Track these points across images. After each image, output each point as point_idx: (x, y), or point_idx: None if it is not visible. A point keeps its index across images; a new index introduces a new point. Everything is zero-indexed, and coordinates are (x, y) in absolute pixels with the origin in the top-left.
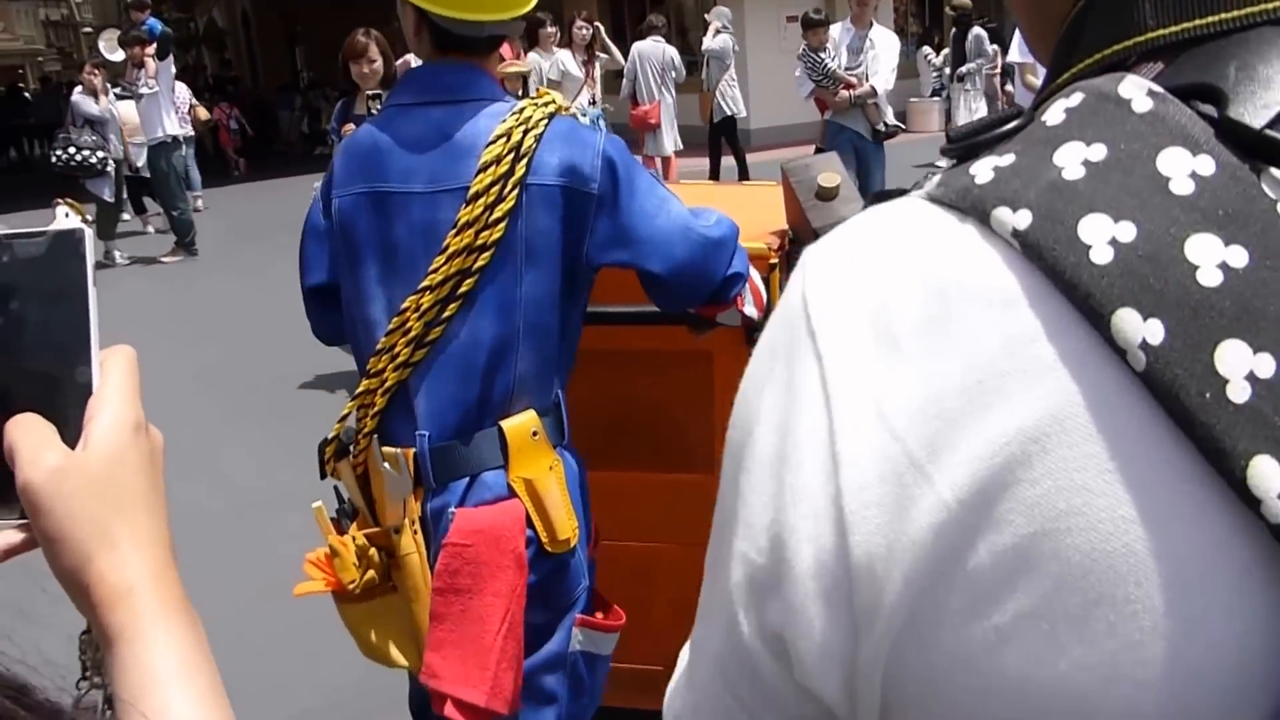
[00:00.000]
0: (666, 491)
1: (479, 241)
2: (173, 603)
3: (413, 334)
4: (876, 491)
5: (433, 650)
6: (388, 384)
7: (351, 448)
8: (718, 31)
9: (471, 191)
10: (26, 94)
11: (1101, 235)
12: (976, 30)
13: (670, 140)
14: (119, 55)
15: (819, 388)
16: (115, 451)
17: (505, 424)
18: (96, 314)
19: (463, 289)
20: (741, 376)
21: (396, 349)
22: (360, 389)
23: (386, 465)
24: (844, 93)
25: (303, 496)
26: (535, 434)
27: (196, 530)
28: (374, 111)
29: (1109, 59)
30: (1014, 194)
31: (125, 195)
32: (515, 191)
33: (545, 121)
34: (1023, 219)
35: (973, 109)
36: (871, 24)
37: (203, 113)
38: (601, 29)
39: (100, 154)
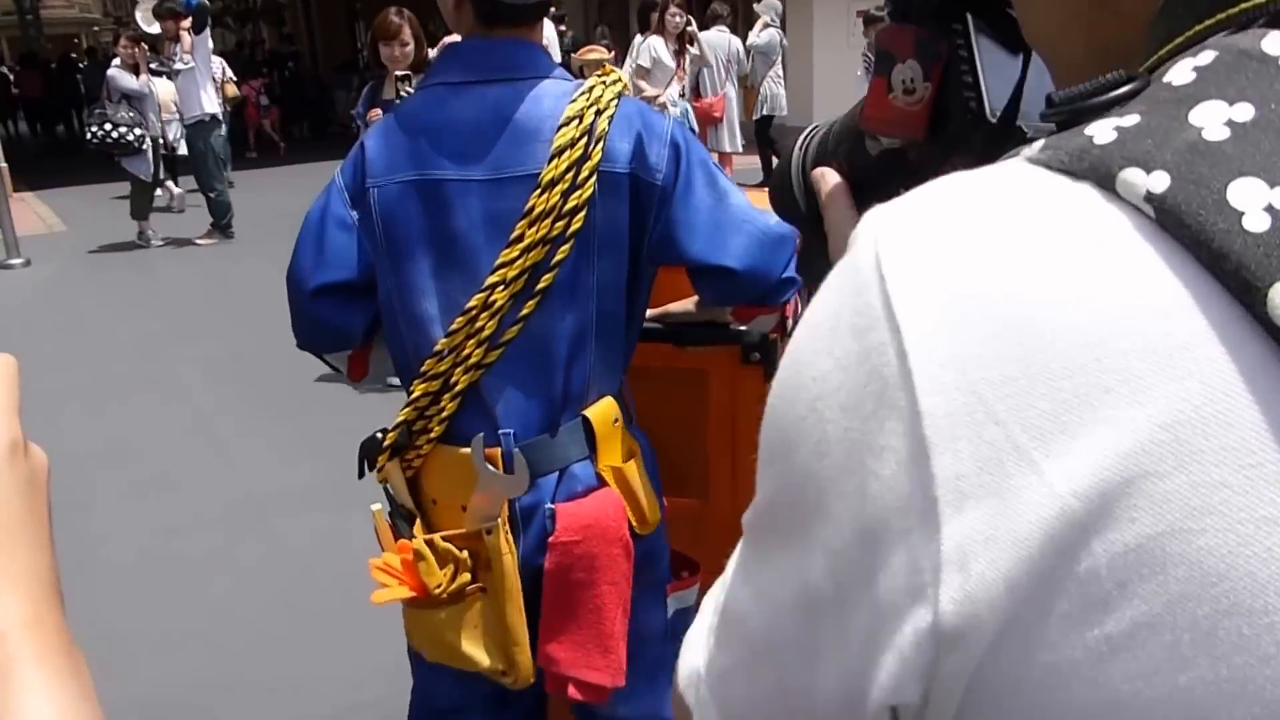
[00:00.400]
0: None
1: (555, 232)
2: (51, 647)
3: (485, 334)
4: (974, 481)
5: (549, 638)
6: (457, 388)
7: (405, 450)
8: (765, 25)
9: (546, 178)
10: (81, 66)
11: (1256, 201)
12: None
13: (729, 136)
14: (156, 28)
15: (897, 363)
16: None
17: (589, 413)
18: None
19: (541, 284)
20: (735, 397)
21: (466, 350)
22: (417, 392)
23: (489, 465)
24: None
25: (321, 494)
26: (616, 420)
27: (211, 526)
28: (404, 95)
29: (1235, 19)
30: (1145, 154)
31: (162, 174)
32: (592, 178)
33: (615, 102)
34: (1159, 181)
35: None
36: None
37: (231, 89)
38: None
39: (137, 131)
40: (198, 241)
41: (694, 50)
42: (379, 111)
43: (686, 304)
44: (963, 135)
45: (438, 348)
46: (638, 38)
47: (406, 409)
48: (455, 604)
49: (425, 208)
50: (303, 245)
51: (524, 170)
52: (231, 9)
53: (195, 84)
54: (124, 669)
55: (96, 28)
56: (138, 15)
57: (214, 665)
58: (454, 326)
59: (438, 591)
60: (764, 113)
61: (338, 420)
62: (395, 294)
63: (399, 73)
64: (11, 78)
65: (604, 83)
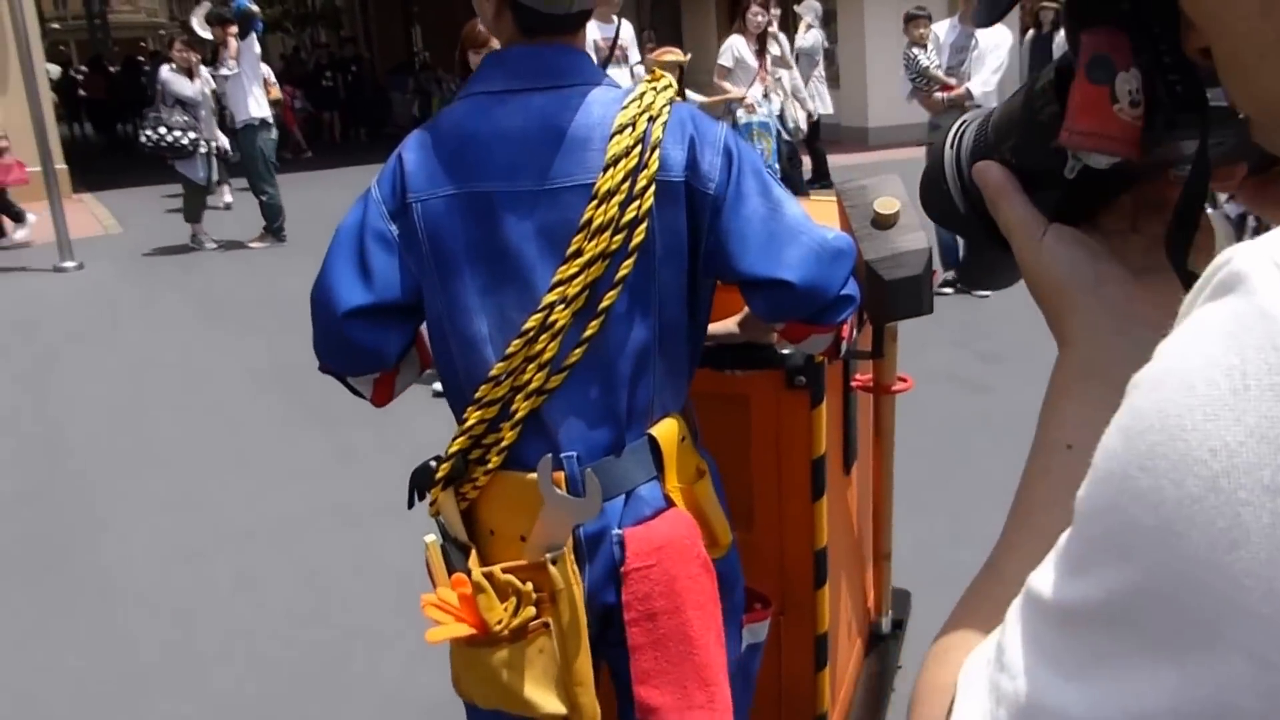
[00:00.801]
0: None
1: (615, 246)
2: None
3: (546, 356)
4: None
5: (641, 684)
6: (517, 415)
7: (461, 481)
8: (809, 27)
9: (603, 188)
10: (145, 69)
11: None
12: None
13: None
14: (209, 33)
15: None
16: None
17: (655, 432)
18: None
19: (605, 302)
20: (779, 424)
21: (526, 375)
22: (472, 420)
23: (556, 489)
24: (938, 94)
25: (355, 512)
26: (684, 438)
27: (239, 544)
28: None
29: None
30: None
31: (216, 177)
32: (650, 188)
33: (668, 108)
34: None
35: None
36: None
37: (274, 91)
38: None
39: (191, 135)
40: (249, 244)
41: (775, 50)
42: None
43: (728, 324)
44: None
45: (494, 372)
46: (734, 37)
47: (461, 438)
48: (516, 642)
49: (474, 222)
50: (336, 261)
51: (576, 180)
52: (290, 13)
53: (243, 89)
54: (142, 694)
55: (162, 31)
56: (193, 21)
57: (234, 694)
58: (510, 349)
59: (499, 628)
60: (815, 117)
61: (375, 434)
62: (445, 314)
63: None
64: (79, 80)
65: (654, 88)
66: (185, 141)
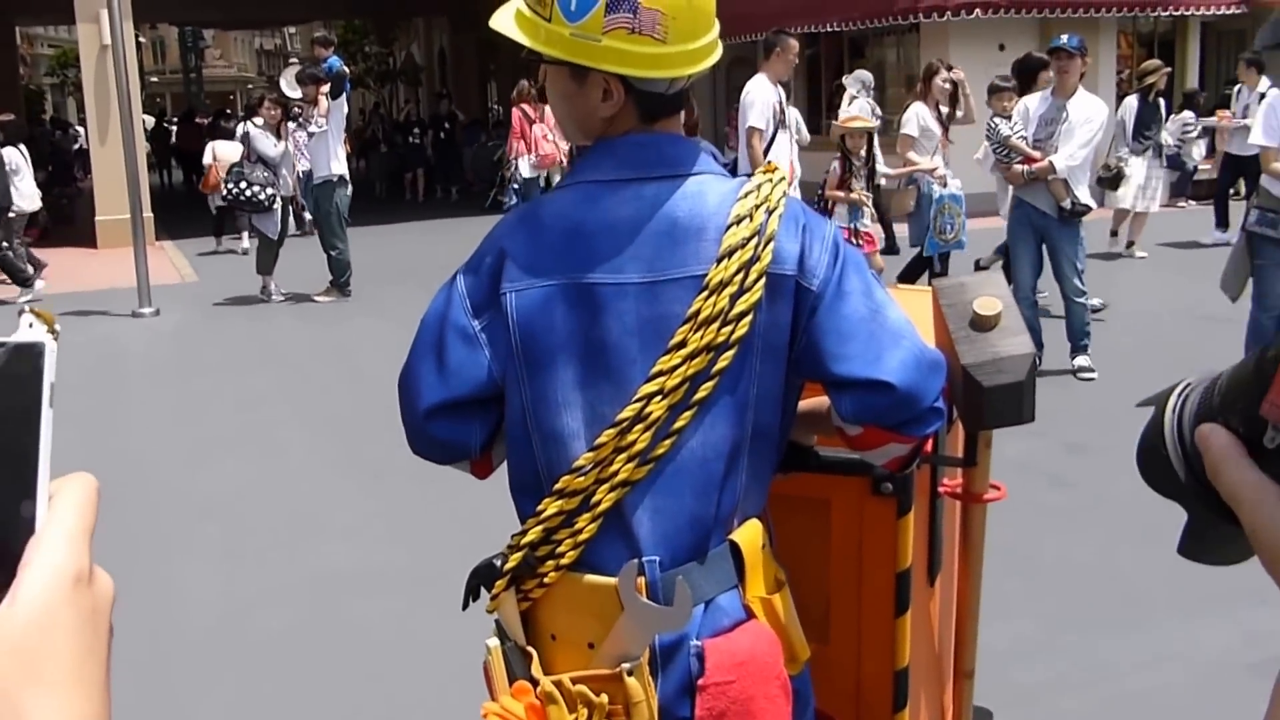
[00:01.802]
0: None
1: (720, 339)
2: None
3: (638, 448)
4: None
5: None
6: (599, 508)
7: (526, 578)
8: (853, 99)
9: (714, 280)
10: (228, 123)
11: None
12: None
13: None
14: (298, 93)
15: None
16: (44, 611)
17: (737, 538)
18: (49, 440)
19: (700, 394)
20: (862, 532)
21: (614, 466)
22: (549, 510)
23: (642, 597)
24: (1018, 167)
25: (398, 577)
26: (764, 545)
27: (286, 600)
28: None
29: None
30: None
31: (287, 231)
32: (760, 281)
33: (783, 201)
34: None
35: (1152, 183)
36: (1075, 92)
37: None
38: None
39: (269, 191)
40: (316, 298)
41: (960, 114)
42: None
43: None
44: None
45: (579, 463)
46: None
47: (534, 529)
48: None
49: (573, 314)
50: (419, 354)
51: (687, 272)
52: (373, 70)
53: (327, 146)
54: None
55: (251, 86)
56: (282, 82)
57: None
58: (601, 440)
59: None
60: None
61: (426, 491)
62: (530, 409)
63: None
64: (171, 130)
65: (770, 180)
66: (263, 197)
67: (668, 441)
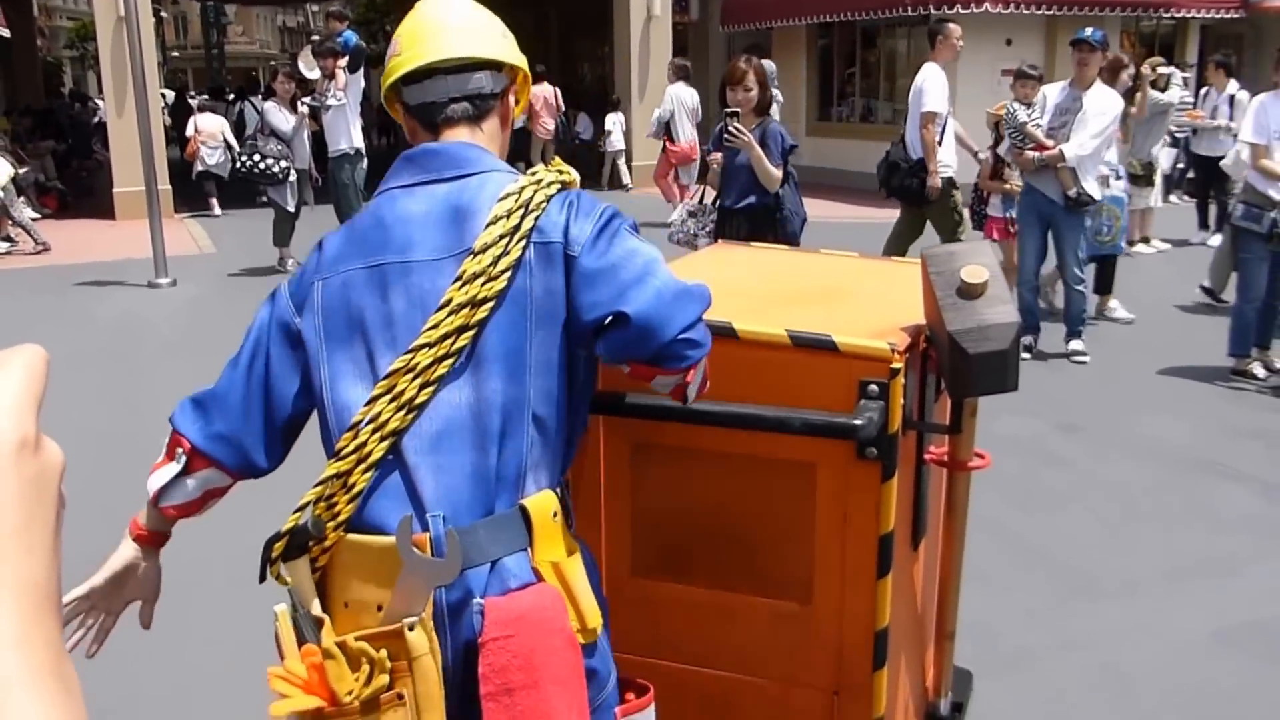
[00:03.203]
0: (752, 617)
1: (481, 294)
2: (40, 666)
3: (405, 397)
4: None
5: None
6: (372, 458)
7: (311, 543)
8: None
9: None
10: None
11: None
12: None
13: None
14: (316, 73)
15: None
16: None
17: (527, 503)
18: None
19: (460, 343)
20: (847, 496)
21: (384, 415)
22: (327, 473)
23: (415, 550)
24: (1030, 153)
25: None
26: (556, 514)
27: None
28: (733, 130)
29: None
30: None
31: (301, 201)
32: (522, 244)
33: (558, 185)
34: None
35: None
36: (1093, 85)
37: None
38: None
39: (283, 164)
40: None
41: (1133, 109)
42: (718, 156)
43: None
44: None
45: (355, 418)
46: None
47: (311, 492)
48: (368, 715)
49: (367, 294)
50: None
51: (463, 247)
52: (366, 51)
53: (345, 120)
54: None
55: (273, 62)
56: (300, 61)
57: None
58: (375, 393)
59: (349, 699)
60: None
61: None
62: (327, 385)
63: (728, 110)
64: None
65: (551, 169)
66: (277, 170)
67: (430, 389)
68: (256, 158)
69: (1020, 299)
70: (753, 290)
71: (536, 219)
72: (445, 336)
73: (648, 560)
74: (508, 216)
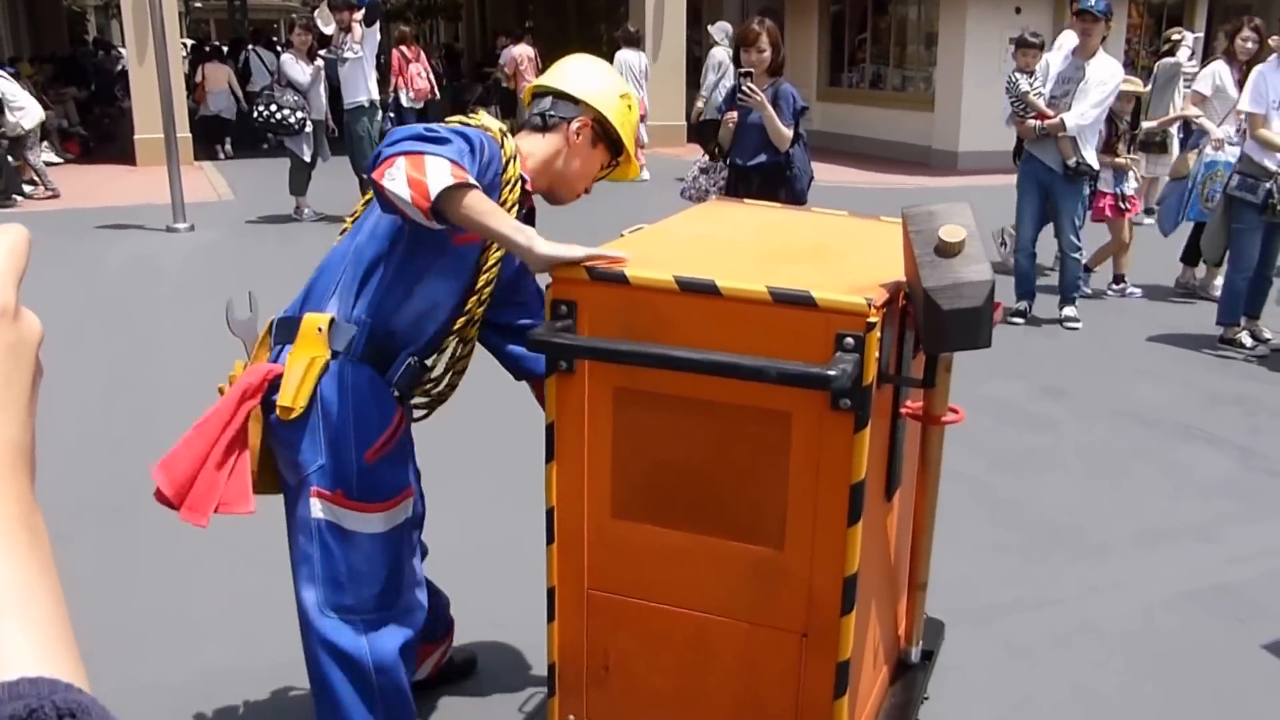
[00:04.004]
0: (726, 560)
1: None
2: (11, 516)
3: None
4: None
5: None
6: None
7: None
8: (714, 45)
9: None
10: (277, 50)
11: None
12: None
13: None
14: (332, 28)
15: None
16: None
17: (306, 314)
18: None
19: (357, 216)
20: (821, 445)
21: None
22: None
23: (239, 321)
24: (1031, 121)
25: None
26: (321, 330)
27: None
28: (747, 90)
29: None
30: None
31: (317, 152)
32: None
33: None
34: None
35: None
36: (1096, 54)
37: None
38: None
39: (299, 114)
40: (347, 220)
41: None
42: (734, 115)
43: None
44: None
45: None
46: (1219, 63)
47: None
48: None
49: None
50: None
51: None
52: (412, 4)
53: (361, 72)
54: (198, 636)
55: (294, 14)
56: (318, 17)
57: (280, 642)
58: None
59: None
60: (706, 117)
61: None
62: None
63: (742, 70)
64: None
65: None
66: (293, 120)
67: (337, 240)
68: (274, 108)
69: (1017, 265)
70: (743, 246)
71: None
72: (354, 214)
73: (628, 503)
74: None
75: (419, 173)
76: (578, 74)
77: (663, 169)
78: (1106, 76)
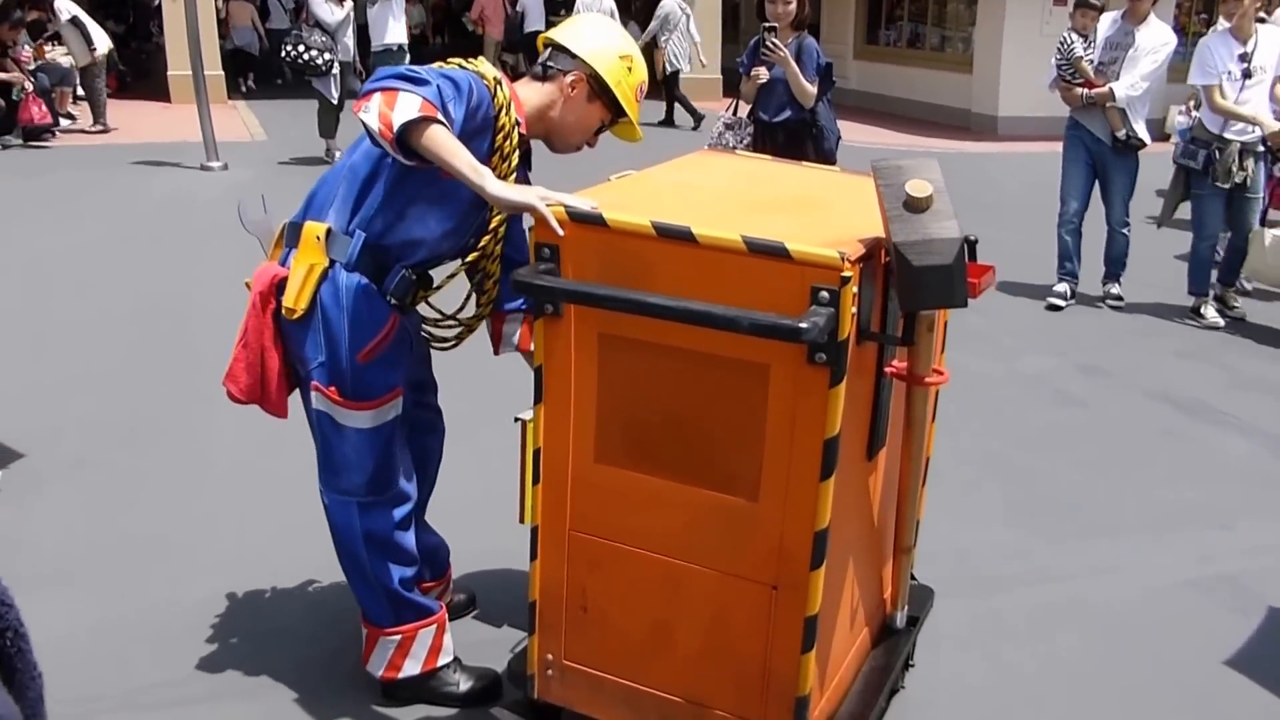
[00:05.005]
0: (702, 509)
1: None
2: None
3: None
4: None
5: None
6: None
7: None
8: None
9: None
10: None
11: None
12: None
13: None
14: None
15: None
16: None
17: (307, 223)
18: None
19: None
20: (796, 399)
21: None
22: None
23: (254, 220)
24: (1078, 89)
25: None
26: (319, 238)
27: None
28: (770, 45)
29: None
30: None
31: (347, 93)
32: None
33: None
34: None
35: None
36: (1147, 19)
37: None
38: None
39: (327, 55)
40: None
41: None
42: (763, 70)
43: None
44: None
45: None
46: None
47: None
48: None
49: None
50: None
51: None
52: None
53: (389, 15)
54: (218, 566)
55: None
56: None
57: (297, 565)
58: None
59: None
60: (669, 70)
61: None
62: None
63: (766, 25)
64: None
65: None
66: (320, 61)
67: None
68: (301, 48)
69: (1059, 240)
70: (727, 195)
71: None
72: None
73: (610, 448)
74: None
75: (389, 108)
76: (581, 30)
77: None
78: (1158, 44)
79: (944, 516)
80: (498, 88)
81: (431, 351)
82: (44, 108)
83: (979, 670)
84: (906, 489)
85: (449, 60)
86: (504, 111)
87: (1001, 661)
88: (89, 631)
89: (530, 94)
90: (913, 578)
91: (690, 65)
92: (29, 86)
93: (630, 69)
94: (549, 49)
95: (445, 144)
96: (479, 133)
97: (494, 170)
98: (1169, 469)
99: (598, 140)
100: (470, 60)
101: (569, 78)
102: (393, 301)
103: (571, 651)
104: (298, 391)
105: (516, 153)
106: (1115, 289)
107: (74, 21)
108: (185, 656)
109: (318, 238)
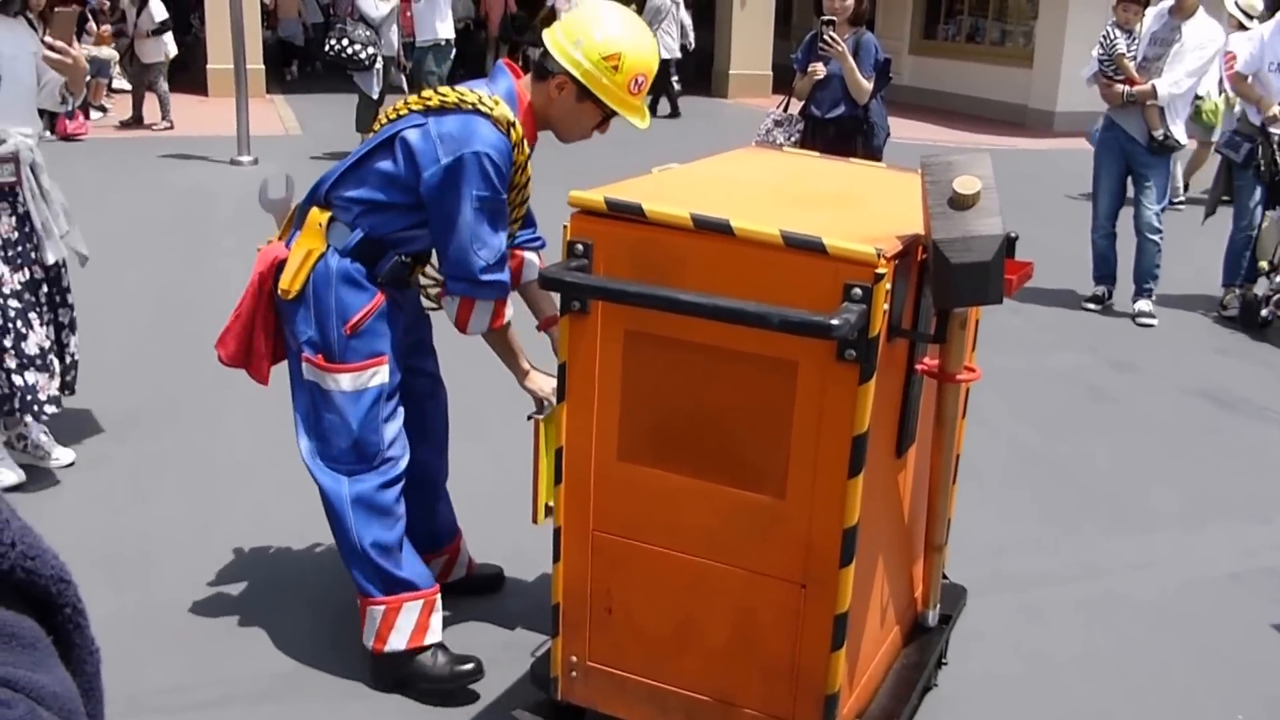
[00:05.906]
0: (728, 507)
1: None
2: None
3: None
4: None
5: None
6: None
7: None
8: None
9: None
10: None
11: None
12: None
13: None
14: None
15: None
16: None
17: (313, 209)
18: None
19: (376, 127)
20: (824, 395)
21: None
22: None
23: (271, 200)
24: (1118, 86)
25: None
26: (321, 225)
27: None
28: (828, 39)
29: None
30: None
31: (387, 88)
32: (397, 120)
33: (457, 103)
34: None
35: None
36: (1195, 13)
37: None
38: None
39: (369, 50)
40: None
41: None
42: (820, 66)
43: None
44: None
45: None
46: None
47: None
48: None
49: None
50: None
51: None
52: None
53: (435, 9)
54: (224, 556)
55: None
56: None
57: (303, 563)
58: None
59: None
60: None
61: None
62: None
63: (824, 19)
64: None
65: (478, 98)
66: (363, 55)
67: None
68: (345, 42)
69: (1093, 247)
70: (768, 190)
71: (413, 114)
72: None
73: (634, 445)
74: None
75: (466, 315)
76: (568, 30)
77: (743, 118)
78: (1205, 40)
79: (977, 512)
80: (510, 129)
81: (432, 316)
82: (81, 119)
83: (1014, 667)
84: (937, 486)
85: (464, 100)
86: (518, 149)
87: (1037, 658)
88: (98, 625)
89: (532, 91)
90: (945, 576)
91: (683, 48)
92: (115, 70)
93: (617, 67)
94: (542, 50)
95: (501, 344)
96: (505, 179)
97: (513, 183)
98: (1205, 463)
99: (608, 127)
100: (484, 101)
101: (555, 81)
102: (381, 281)
103: (596, 652)
104: (295, 392)
105: (530, 164)
106: (1145, 305)
107: (164, 25)
108: (190, 657)
109: (320, 224)
